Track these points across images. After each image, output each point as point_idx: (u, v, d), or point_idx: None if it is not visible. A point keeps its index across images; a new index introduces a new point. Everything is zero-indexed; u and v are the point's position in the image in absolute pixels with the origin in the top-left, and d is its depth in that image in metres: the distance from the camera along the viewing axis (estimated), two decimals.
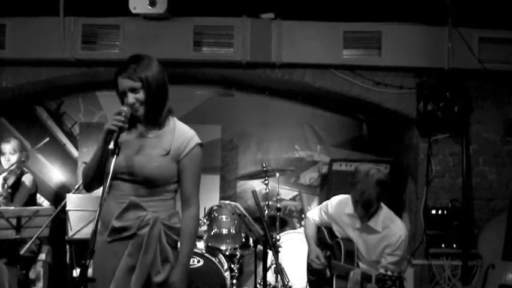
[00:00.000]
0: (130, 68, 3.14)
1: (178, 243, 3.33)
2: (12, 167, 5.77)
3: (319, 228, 4.81)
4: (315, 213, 4.87)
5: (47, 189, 7.03)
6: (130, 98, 3.14)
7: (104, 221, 3.21)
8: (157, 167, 3.18)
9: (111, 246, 3.19)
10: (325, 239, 4.71)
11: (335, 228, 4.61)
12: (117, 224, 3.15)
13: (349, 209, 4.50)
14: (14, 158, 5.80)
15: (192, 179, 3.28)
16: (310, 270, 4.81)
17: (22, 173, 5.89)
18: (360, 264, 4.38)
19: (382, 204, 4.50)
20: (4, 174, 5.70)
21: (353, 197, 4.45)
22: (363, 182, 4.36)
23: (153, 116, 3.23)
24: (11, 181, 5.70)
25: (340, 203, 4.63)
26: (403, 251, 4.34)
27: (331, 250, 4.56)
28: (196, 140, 3.29)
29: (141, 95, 3.14)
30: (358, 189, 4.37)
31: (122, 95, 3.19)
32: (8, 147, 5.82)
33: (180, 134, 3.27)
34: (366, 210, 4.41)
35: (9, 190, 5.63)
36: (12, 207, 5.29)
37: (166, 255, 3.21)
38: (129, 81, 3.13)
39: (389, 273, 3.91)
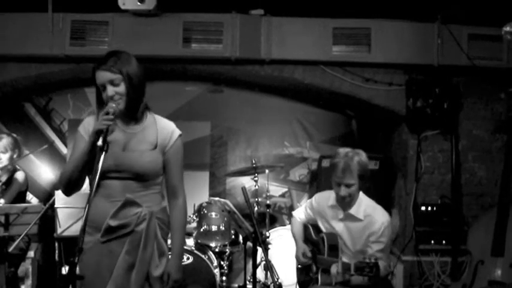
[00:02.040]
0: (110, 61, 3.16)
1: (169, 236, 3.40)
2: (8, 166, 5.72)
3: (305, 226, 4.83)
4: (300, 211, 4.90)
5: (36, 187, 6.98)
6: (110, 90, 3.14)
7: (94, 221, 3.17)
8: (149, 161, 3.24)
9: (105, 246, 3.18)
10: (310, 235, 4.73)
11: (321, 223, 4.62)
12: (113, 222, 3.15)
13: (332, 200, 4.51)
14: (5, 157, 5.71)
15: (177, 170, 3.39)
16: (299, 268, 4.82)
17: (15, 170, 5.81)
18: (343, 257, 4.37)
19: (362, 194, 4.48)
20: None
21: (335, 181, 4.33)
22: (344, 161, 4.27)
23: (132, 110, 3.25)
24: (4, 178, 5.64)
25: (323, 197, 4.65)
26: (387, 237, 4.33)
27: (316, 246, 4.58)
28: (178, 131, 3.39)
29: (121, 88, 3.16)
30: (339, 168, 4.27)
31: (100, 90, 3.20)
32: (0, 145, 5.72)
33: (162, 127, 3.36)
34: (345, 197, 4.36)
35: (4, 186, 5.58)
36: (0, 205, 5.26)
37: (163, 249, 3.28)
38: (109, 74, 3.14)
39: (366, 260, 3.88)
